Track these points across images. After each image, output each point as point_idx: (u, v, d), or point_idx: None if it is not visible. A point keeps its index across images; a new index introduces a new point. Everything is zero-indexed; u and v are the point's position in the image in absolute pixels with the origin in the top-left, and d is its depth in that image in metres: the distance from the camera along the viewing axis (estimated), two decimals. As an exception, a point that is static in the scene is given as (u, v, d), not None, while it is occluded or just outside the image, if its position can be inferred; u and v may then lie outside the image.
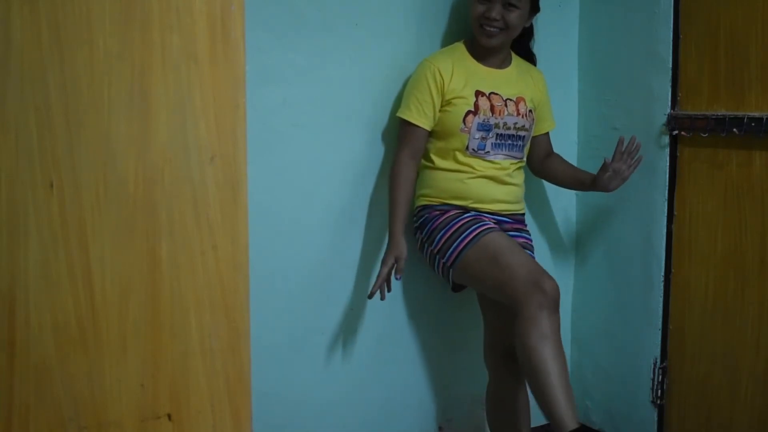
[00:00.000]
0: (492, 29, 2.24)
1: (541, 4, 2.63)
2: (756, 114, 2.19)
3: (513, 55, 2.40)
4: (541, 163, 2.50)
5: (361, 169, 2.37)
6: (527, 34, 2.43)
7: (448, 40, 2.43)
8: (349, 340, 2.40)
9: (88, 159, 1.31)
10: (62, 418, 1.33)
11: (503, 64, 2.36)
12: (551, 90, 2.56)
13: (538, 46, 2.60)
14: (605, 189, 2.34)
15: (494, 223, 2.29)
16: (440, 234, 2.25)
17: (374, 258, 2.41)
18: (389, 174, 2.30)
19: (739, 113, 2.23)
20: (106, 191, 1.33)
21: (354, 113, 2.34)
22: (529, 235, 2.41)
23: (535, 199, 2.67)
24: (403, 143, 2.28)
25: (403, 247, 2.20)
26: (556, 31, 2.68)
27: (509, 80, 2.34)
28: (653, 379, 2.51)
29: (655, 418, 2.53)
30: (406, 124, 2.27)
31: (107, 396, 1.36)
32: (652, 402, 2.53)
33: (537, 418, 2.40)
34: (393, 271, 2.19)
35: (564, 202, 2.74)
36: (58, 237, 1.30)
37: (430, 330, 2.51)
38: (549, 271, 2.44)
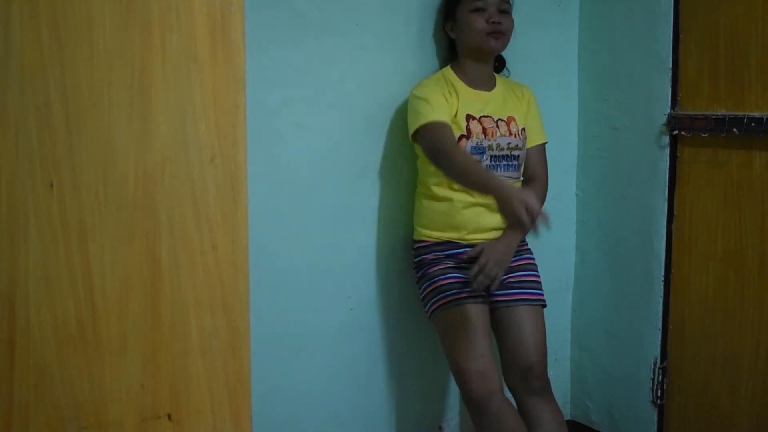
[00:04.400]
0: (498, 33, 2.23)
1: (541, 4, 2.63)
2: (756, 114, 2.18)
3: (496, 75, 2.38)
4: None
5: (361, 168, 2.36)
6: None
7: (447, 40, 2.42)
8: (349, 340, 2.40)
9: (88, 159, 1.31)
10: (62, 418, 1.33)
11: (489, 86, 2.34)
12: (551, 91, 2.55)
13: (538, 46, 2.60)
14: None
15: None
16: (426, 284, 2.29)
17: (374, 257, 2.41)
18: (449, 164, 2.09)
19: (739, 113, 2.23)
20: (106, 191, 1.33)
21: (354, 113, 2.34)
22: (531, 253, 2.38)
23: (535, 199, 2.66)
24: (440, 139, 2.14)
25: (517, 192, 1.89)
26: (556, 31, 2.67)
27: (497, 101, 2.32)
28: (653, 379, 2.51)
29: (655, 418, 2.52)
30: (430, 128, 2.16)
31: (107, 396, 1.36)
32: (652, 402, 2.53)
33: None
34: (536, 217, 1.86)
35: (564, 201, 2.74)
36: (58, 237, 1.30)
37: (430, 330, 2.50)
38: (549, 271, 2.44)
